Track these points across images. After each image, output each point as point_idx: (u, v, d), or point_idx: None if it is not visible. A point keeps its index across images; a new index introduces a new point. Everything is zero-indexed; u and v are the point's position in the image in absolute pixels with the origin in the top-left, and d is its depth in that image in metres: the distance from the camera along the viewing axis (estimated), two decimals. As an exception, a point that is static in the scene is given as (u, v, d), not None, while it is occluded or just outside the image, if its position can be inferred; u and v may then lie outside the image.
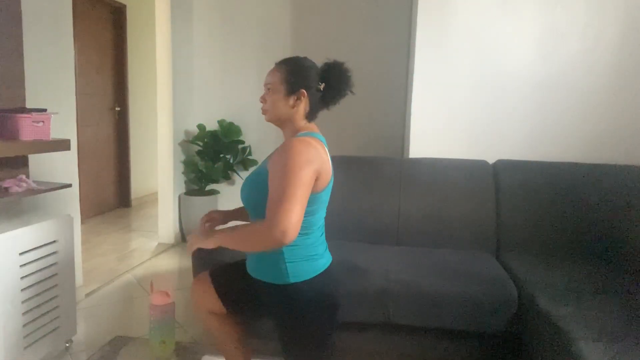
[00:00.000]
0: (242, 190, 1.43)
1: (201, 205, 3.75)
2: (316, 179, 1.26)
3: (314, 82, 1.37)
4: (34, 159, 2.20)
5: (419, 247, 2.28)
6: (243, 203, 1.45)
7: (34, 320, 1.84)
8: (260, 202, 1.28)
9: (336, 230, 2.38)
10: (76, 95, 2.56)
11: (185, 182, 3.94)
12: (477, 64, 2.57)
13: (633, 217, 2.21)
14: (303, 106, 1.38)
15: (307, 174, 1.21)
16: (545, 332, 1.58)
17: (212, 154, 3.70)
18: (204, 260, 2.06)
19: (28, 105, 2.12)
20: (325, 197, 1.36)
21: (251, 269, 1.42)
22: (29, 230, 1.80)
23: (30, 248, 1.81)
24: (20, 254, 1.76)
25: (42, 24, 2.23)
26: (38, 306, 1.86)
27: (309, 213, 1.30)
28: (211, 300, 1.51)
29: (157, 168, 3.78)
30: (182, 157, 3.88)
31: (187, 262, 3.34)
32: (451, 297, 1.81)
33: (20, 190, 1.88)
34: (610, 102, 2.50)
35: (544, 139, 2.56)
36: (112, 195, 4.86)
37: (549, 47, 2.51)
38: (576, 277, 1.91)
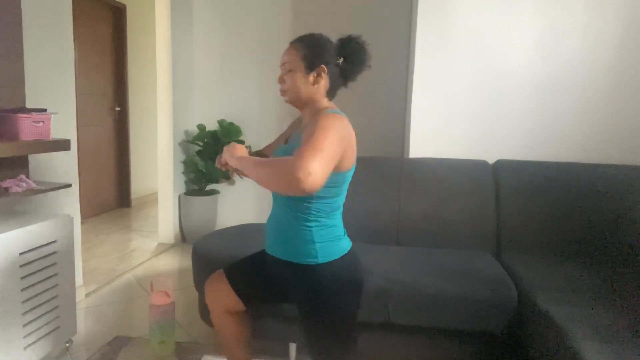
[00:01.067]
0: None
1: (201, 205, 3.75)
2: (343, 158, 1.24)
3: (332, 57, 1.34)
4: (34, 159, 2.20)
5: (419, 247, 2.28)
6: None
7: (34, 320, 1.84)
8: None
9: (336, 230, 2.38)
10: (76, 95, 2.56)
11: (185, 182, 3.94)
12: (477, 64, 2.57)
13: (633, 217, 2.21)
14: (324, 83, 1.35)
15: (340, 142, 1.18)
16: (545, 332, 1.58)
17: (212, 154, 3.70)
18: (204, 260, 2.06)
19: (28, 105, 2.12)
20: (349, 179, 1.36)
21: (276, 249, 1.40)
22: (29, 230, 1.80)
23: (30, 248, 1.81)
24: (20, 254, 1.76)
25: (42, 24, 2.23)
26: (38, 306, 1.86)
27: (336, 193, 1.32)
28: (227, 298, 1.49)
29: (157, 168, 3.79)
30: (182, 157, 3.88)
31: (187, 262, 3.34)
32: (451, 297, 1.81)
33: (20, 190, 1.88)
34: (610, 102, 2.50)
35: (544, 139, 2.56)
36: (112, 195, 4.86)
37: (549, 47, 2.51)
38: (576, 277, 1.91)
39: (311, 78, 1.34)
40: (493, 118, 2.59)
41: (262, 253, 1.50)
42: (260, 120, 3.79)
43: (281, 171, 1.10)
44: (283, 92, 1.39)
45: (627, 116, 2.50)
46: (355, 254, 1.41)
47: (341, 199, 1.39)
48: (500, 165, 2.43)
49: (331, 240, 1.34)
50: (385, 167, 2.48)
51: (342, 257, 1.35)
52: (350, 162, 1.30)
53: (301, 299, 1.36)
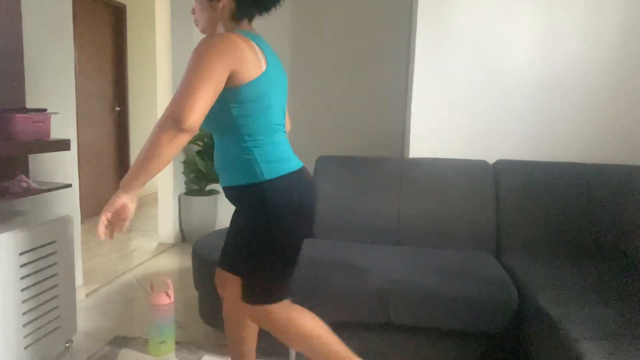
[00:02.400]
0: None
1: (201, 205, 3.75)
2: (235, 73, 1.22)
3: None
4: (34, 159, 2.20)
5: (419, 247, 2.28)
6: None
7: (34, 320, 1.84)
8: (214, 117, 1.29)
9: (336, 230, 2.38)
10: (76, 95, 2.56)
11: (185, 182, 3.94)
12: (477, 63, 2.57)
13: (633, 217, 2.21)
14: (227, 8, 1.34)
15: (216, 65, 1.17)
16: (545, 332, 1.58)
17: (212, 154, 3.70)
18: (204, 260, 2.06)
19: (28, 105, 2.12)
20: (266, 88, 1.30)
21: (225, 180, 1.39)
22: (29, 230, 1.80)
23: (30, 248, 1.81)
24: (20, 254, 1.76)
25: (42, 24, 2.23)
26: (38, 306, 1.86)
27: (257, 109, 1.28)
28: (234, 286, 1.49)
29: (157, 168, 3.78)
30: (182, 157, 3.88)
31: (187, 262, 3.34)
32: (451, 297, 1.81)
33: (20, 190, 1.88)
34: (610, 102, 2.50)
35: (544, 139, 2.56)
36: (112, 195, 4.85)
37: (549, 47, 2.51)
38: (576, 277, 1.91)
39: (213, 4, 1.35)
40: (493, 118, 2.59)
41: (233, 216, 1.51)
42: (260, 120, 3.78)
43: (161, 136, 1.14)
44: (195, 23, 1.42)
45: (627, 116, 2.50)
46: (305, 174, 1.40)
47: (271, 116, 1.34)
48: (500, 165, 2.43)
49: (276, 161, 1.32)
50: (385, 167, 2.48)
51: (289, 174, 1.33)
52: (251, 73, 1.26)
53: (247, 218, 1.34)
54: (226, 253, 1.54)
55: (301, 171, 1.39)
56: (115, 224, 1.21)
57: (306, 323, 1.42)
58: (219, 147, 1.39)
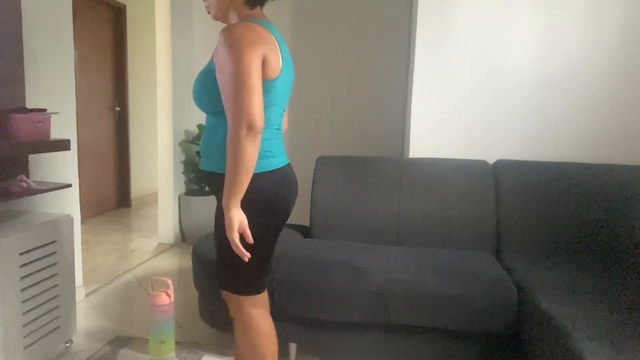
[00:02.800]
0: (193, 88, 1.37)
1: (201, 205, 3.75)
2: (264, 64, 1.21)
3: None
4: (34, 159, 2.20)
5: (419, 247, 2.28)
6: (195, 101, 1.38)
7: (34, 320, 1.84)
8: (210, 98, 1.27)
9: (336, 230, 2.38)
10: (76, 95, 2.56)
11: (185, 182, 3.94)
12: (477, 63, 2.57)
13: (633, 217, 2.21)
14: None
15: (253, 58, 1.17)
16: (545, 332, 1.58)
17: (212, 154, 3.70)
18: (204, 260, 2.06)
19: (28, 105, 2.12)
20: (280, 89, 1.31)
21: (206, 164, 1.37)
22: (29, 230, 1.80)
23: (30, 248, 1.81)
24: (20, 254, 1.76)
25: (42, 24, 2.23)
26: (38, 306, 1.86)
27: (264, 104, 1.25)
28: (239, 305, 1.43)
29: (157, 168, 3.79)
30: (182, 157, 3.88)
31: (187, 262, 3.34)
32: (451, 297, 1.81)
33: (20, 190, 1.88)
34: (611, 102, 2.50)
35: (544, 139, 2.56)
36: (112, 195, 4.87)
37: (549, 47, 2.51)
38: (576, 277, 1.91)
39: None
40: (493, 118, 2.59)
41: None
42: (260, 120, 3.78)
43: (236, 149, 1.16)
44: (207, 9, 1.39)
45: (627, 116, 2.50)
46: (286, 173, 1.38)
47: (274, 111, 1.32)
48: (500, 165, 2.44)
49: (259, 155, 1.28)
50: (385, 167, 2.48)
51: (270, 171, 1.31)
52: (275, 71, 1.25)
53: (222, 208, 1.30)
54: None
55: (282, 170, 1.37)
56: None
57: (261, 335, 1.41)
58: (208, 129, 1.36)
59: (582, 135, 2.53)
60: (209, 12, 1.40)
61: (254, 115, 1.15)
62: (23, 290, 1.78)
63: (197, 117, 3.89)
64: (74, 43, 2.47)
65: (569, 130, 2.54)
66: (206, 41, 3.81)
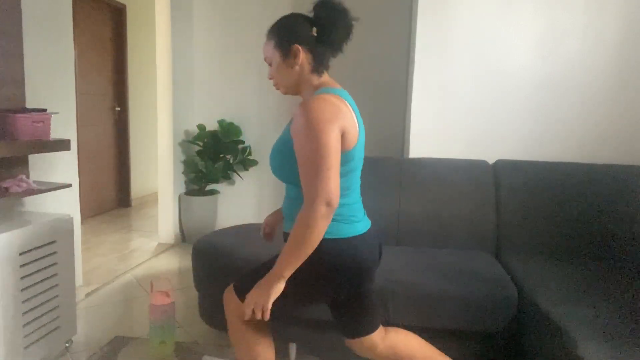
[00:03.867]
0: (271, 160, 1.36)
1: (201, 205, 3.75)
2: (343, 137, 1.20)
3: (305, 32, 1.29)
4: (34, 159, 2.20)
5: (419, 247, 2.28)
6: (274, 173, 1.37)
7: (34, 320, 1.84)
8: (291, 170, 1.25)
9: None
10: (76, 95, 2.56)
11: (185, 182, 3.94)
12: (477, 64, 2.57)
13: (633, 217, 2.21)
14: (306, 62, 1.30)
15: (332, 135, 1.16)
16: (545, 332, 1.58)
17: (212, 154, 3.70)
18: (204, 260, 2.06)
19: (28, 105, 2.12)
20: (358, 155, 1.30)
21: (288, 226, 1.36)
22: (29, 230, 1.80)
23: (30, 248, 1.81)
24: (20, 254, 1.76)
25: (42, 24, 2.23)
26: (38, 306, 1.86)
27: (343, 174, 1.25)
28: (240, 313, 1.41)
29: (157, 168, 3.79)
30: (182, 157, 3.88)
31: (187, 262, 3.34)
32: (451, 297, 1.81)
33: (20, 190, 1.88)
34: (611, 102, 2.50)
35: (544, 139, 2.56)
36: (112, 195, 4.87)
37: (549, 47, 2.51)
38: (576, 277, 1.91)
39: (290, 62, 1.30)
40: (493, 118, 2.59)
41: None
42: (260, 120, 3.79)
43: (308, 226, 1.16)
44: (276, 86, 1.38)
45: (627, 116, 2.50)
46: (366, 240, 1.34)
47: (354, 177, 1.32)
48: (500, 165, 2.43)
49: (343, 222, 1.29)
50: (385, 167, 2.48)
51: (349, 238, 1.29)
52: (352, 141, 1.24)
53: (301, 270, 1.29)
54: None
55: (362, 237, 1.33)
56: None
57: (254, 350, 1.39)
58: (293, 199, 1.34)
59: (582, 135, 2.53)
60: (277, 89, 1.38)
61: (332, 194, 1.15)
62: (23, 290, 1.78)
63: (197, 117, 3.89)
64: (74, 43, 2.47)
65: (569, 130, 2.54)
66: (206, 41, 3.81)
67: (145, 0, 5.02)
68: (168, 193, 3.76)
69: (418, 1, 2.59)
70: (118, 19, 4.75)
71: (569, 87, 2.52)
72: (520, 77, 2.55)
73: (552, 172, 2.35)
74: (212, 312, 2.12)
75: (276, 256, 1.32)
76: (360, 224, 1.35)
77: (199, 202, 3.74)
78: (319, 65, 1.32)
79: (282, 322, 1.92)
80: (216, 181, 3.80)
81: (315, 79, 1.33)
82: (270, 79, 1.37)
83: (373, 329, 1.47)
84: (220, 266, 1.99)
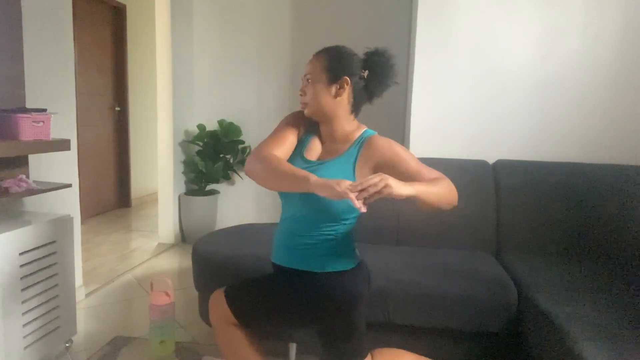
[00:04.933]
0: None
1: (201, 205, 3.75)
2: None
3: (357, 70, 1.30)
4: (34, 159, 2.20)
5: (419, 247, 2.28)
6: (316, 208, 1.31)
7: (34, 320, 1.84)
8: (337, 211, 1.28)
9: (336, 230, 2.38)
10: (76, 95, 2.56)
11: (185, 182, 3.94)
12: (477, 63, 2.57)
13: (633, 217, 2.21)
14: (347, 97, 1.31)
15: None
16: (545, 332, 1.58)
17: (212, 154, 3.70)
18: (204, 260, 2.06)
19: (28, 105, 2.12)
20: None
21: (293, 261, 1.35)
22: (29, 230, 1.80)
23: (30, 248, 1.81)
24: (20, 254, 1.76)
25: (42, 24, 2.23)
26: (38, 306, 1.86)
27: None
28: (228, 317, 1.41)
29: (157, 168, 3.79)
30: (182, 157, 3.88)
31: (187, 262, 3.34)
32: (451, 297, 1.81)
33: (20, 190, 1.88)
34: (610, 102, 2.50)
35: (544, 139, 2.56)
36: (112, 195, 4.86)
37: (549, 47, 2.51)
38: (576, 277, 1.91)
39: (333, 90, 1.30)
40: (493, 118, 2.59)
41: (273, 276, 1.44)
42: (260, 120, 3.78)
43: (453, 193, 1.29)
44: (304, 105, 1.36)
45: (627, 116, 2.49)
46: (358, 274, 1.37)
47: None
48: (500, 165, 2.43)
49: (342, 254, 1.33)
50: (385, 167, 2.47)
51: (349, 270, 1.33)
52: None
53: (295, 301, 1.33)
54: (247, 307, 1.45)
55: (355, 270, 1.36)
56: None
57: (241, 350, 1.39)
58: (302, 232, 1.34)
59: (582, 135, 2.53)
60: (303, 108, 1.38)
61: None
62: (23, 290, 1.78)
63: (197, 117, 3.89)
64: (74, 43, 2.47)
65: (569, 130, 2.54)
66: (206, 41, 3.81)
67: (145, 0, 5.02)
68: (168, 193, 3.76)
69: (418, 1, 2.59)
70: (118, 18, 4.75)
71: (569, 87, 2.52)
72: (520, 77, 2.55)
73: (552, 172, 2.35)
74: (212, 312, 2.12)
75: (268, 274, 1.36)
76: (353, 258, 1.38)
77: (199, 202, 3.74)
78: (357, 105, 1.35)
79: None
80: (216, 181, 3.80)
81: (352, 119, 1.36)
82: (301, 95, 1.36)
83: (360, 357, 1.47)
84: (220, 266, 1.99)
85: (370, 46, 1.34)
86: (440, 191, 1.20)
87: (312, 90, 1.32)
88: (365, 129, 1.36)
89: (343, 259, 1.34)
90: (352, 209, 1.15)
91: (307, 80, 1.33)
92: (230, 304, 1.37)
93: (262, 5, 3.66)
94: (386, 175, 1.09)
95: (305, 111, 1.36)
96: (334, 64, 1.30)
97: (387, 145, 1.30)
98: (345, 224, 1.34)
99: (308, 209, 1.31)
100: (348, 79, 1.29)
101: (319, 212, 1.30)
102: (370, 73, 1.31)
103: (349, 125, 1.34)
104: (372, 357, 1.51)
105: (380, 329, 1.90)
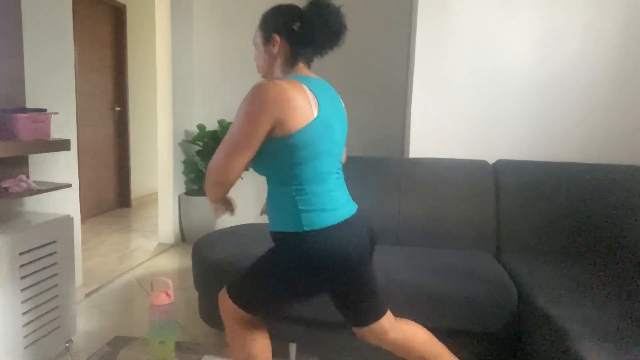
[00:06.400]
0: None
1: (201, 205, 3.75)
2: (283, 123, 1.19)
3: (287, 24, 1.33)
4: (34, 159, 2.20)
5: (419, 247, 2.28)
6: (253, 168, 1.41)
7: (34, 320, 1.84)
8: (269, 163, 1.29)
9: (336, 230, 2.38)
10: (76, 95, 2.56)
11: (185, 182, 3.94)
12: (477, 64, 2.57)
13: (633, 217, 2.21)
14: (282, 52, 1.35)
15: (257, 118, 1.19)
16: (545, 332, 1.58)
17: (212, 154, 3.70)
18: (204, 260, 2.06)
19: (28, 105, 2.12)
20: (311, 140, 1.24)
21: (271, 224, 1.38)
22: (29, 230, 1.80)
23: (30, 248, 1.81)
24: (20, 254, 1.76)
25: (42, 24, 2.23)
26: (38, 306, 1.86)
27: (296, 163, 1.24)
28: (237, 312, 1.42)
29: (157, 168, 3.79)
30: (182, 157, 3.88)
31: (187, 262, 3.34)
32: (451, 297, 1.81)
33: (20, 190, 1.88)
34: (610, 102, 2.50)
35: (544, 139, 2.56)
36: (112, 195, 4.86)
37: (549, 47, 2.51)
38: (576, 277, 1.91)
39: (268, 49, 1.36)
40: (493, 118, 2.59)
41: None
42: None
43: (207, 183, 1.33)
44: (257, 69, 1.45)
45: (627, 116, 2.50)
46: (349, 227, 1.31)
47: (320, 164, 1.29)
48: (500, 165, 2.43)
49: (317, 210, 1.27)
50: (385, 167, 2.48)
51: (329, 227, 1.26)
52: (300, 122, 1.21)
53: (278, 250, 1.32)
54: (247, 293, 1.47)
55: (344, 224, 1.30)
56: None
57: (250, 350, 1.40)
58: (269, 192, 1.37)
59: (582, 135, 2.53)
60: (259, 72, 1.46)
61: (230, 176, 1.27)
62: (23, 290, 1.78)
63: (197, 117, 3.89)
64: (74, 43, 2.47)
65: (569, 130, 2.54)
66: (206, 41, 3.81)
67: (145, 0, 5.02)
68: (168, 193, 3.76)
69: (418, 1, 2.59)
70: (118, 18, 4.75)
71: (569, 87, 2.52)
72: (520, 77, 2.55)
73: (552, 172, 2.35)
74: (212, 312, 2.12)
75: (261, 256, 1.36)
76: (337, 212, 1.30)
77: (199, 202, 3.74)
78: (294, 59, 1.36)
79: (282, 321, 1.92)
80: (216, 181, 3.79)
81: (285, 71, 1.37)
82: (255, 61, 1.45)
83: (379, 315, 1.48)
84: (220, 266, 1.99)
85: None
86: (206, 180, 1.35)
87: (256, 54, 1.41)
88: (283, 75, 1.34)
89: (291, 217, 1.29)
90: (254, 164, 1.33)
91: (254, 45, 1.42)
92: (234, 297, 1.38)
93: (261, 4, 3.65)
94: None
95: (261, 74, 1.45)
96: (265, 24, 1.37)
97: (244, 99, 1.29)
98: (270, 182, 1.35)
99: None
100: (276, 35, 1.34)
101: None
102: (302, 26, 1.32)
103: (283, 74, 1.38)
104: (396, 320, 1.54)
105: (380, 329, 1.90)
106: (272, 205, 1.36)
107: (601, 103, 2.50)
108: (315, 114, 1.24)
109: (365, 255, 1.38)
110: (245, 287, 1.39)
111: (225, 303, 1.41)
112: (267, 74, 1.42)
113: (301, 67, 1.38)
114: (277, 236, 1.34)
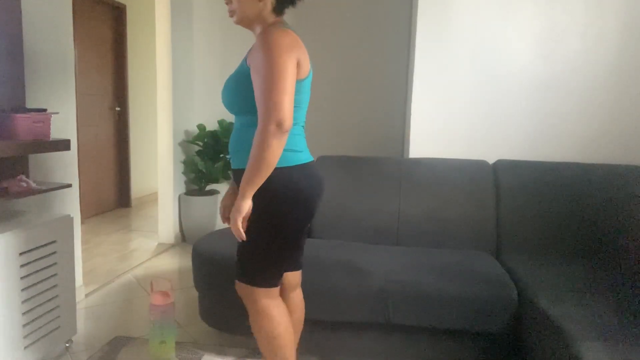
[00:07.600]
0: (223, 92, 1.42)
1: (201, 205, 3.75)
2: (298, 67, 1.28)
3: None
4: (34, 159, 2.20)
5: (419, 247, 2.28)
6: (225, 105, 1.44)
7: (34, 320, 1.84)
8: (243, 100, 1.32)
9: (336, 230, 2.38)
10: (76, 95, 2.56)
11: (185, 182, 3.94)
12: (477, 64, 2.57)
13: (633, 217, 2.21)
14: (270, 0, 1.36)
15: (289, 62, 1.23)
16: (545, 332, 1.58)
17: (212, 154, 3.70)
18: (204, 260, 2.06)
19: (28, 105, 2.12)
20: (307, 88, 1.38)
21: (235, 162, 1.41)
22: (29, 230, 1.80)
23: (30, 248, 1.81)
24: (20, 254, 1.76)
25: (42, 24, 2.23)
26: (38, 306, 1.86)
27: (294, 103, 1.30)
28: (257, 295, 1.45)
29: (157, 168, 3.79)
30: (182, 157, 3.88)
31: (187, 262, 3.34)
32: (451, 297, 1.81)
33: (20, 190, 1.88)
34: (611, 102, 2.50)
35: (544, 139, 2.56)
36: (112, 195, 4.86)
37: (549, 47, 2.51)
38: (576, 277, 1.91)
39: None
40: (493, 118, 2.59)
41: None
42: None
43: (263, 144, 1.21)
44: (231, 13, 1.41)
45: (627, 116, 2.50)
46: (314, 168, 1.43)
47: (301, 109, 1.39)
48: (500, 165, 2.44)
49: (286, 150, 1.32)
50: (385, 167, 2.48)
51: (298, 165, 1.36)
52: (305, 72, 1.32)
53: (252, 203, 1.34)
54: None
55: (310, 165, 1.42)
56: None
57: (278, 325, 1.44)
58: (237, 128, 1.41)
59: (582, 135, 2.53)
60: (231, 17, 1.42)
61: (285, 114, 1.20)
62: (23, 290, 1.78)
63: (197, 117, 3.89)
64: (74, 43, 2.47)
65: (569, 130, 2.54)
66: (206, 41, 3.81)
67: (145, 0, 5.02)
68: (168, 193, 3.76)
69: (418, 1, 2.59)
70: (118, 18, 4.75)
71: (569, 87, 2.52)
72: (520, 77, 2.55)
73: (552, 172, 2.35)
74: (212, 312, 2.12)
75: (246, 230, 1.37)
76: (303, 155, 1.40)
77: (199, 202, 3.74)
78: (282, 5, 1.39)
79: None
80: (216, 181, 3.79)
81: (272, 18, 1.39)
82: (226, 3, 1.41)
83: (300, 266, 1.59)
84: (220, 266, 1.99)
85: None
86: (254, 168, 1.25)
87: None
88: (278, 24, 1.36)
89: (286, 153, 1.34)
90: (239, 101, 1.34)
91: None
92: (247, 279, 1.42)
93: (262, 5, 3.65)
94: (232, 214, 1.31)
95: (233, 20, 1.41)
96: None
97: (255, 47, 1.29)
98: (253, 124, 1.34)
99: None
100: None
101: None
102: None
103: (271, 23, 1.38)
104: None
105: (380, 329, 1.90)
106: (241, 141, 1.38)
107: (601, 103, 2.50)
108: (310, 66, 1.36)
109: (318, 202, 1.46)
110: (248, 263, 1.43)
111: (244, 291, 1.45)
112: (248, 21, 1.39)
113: (281, 17, 1.42)
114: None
